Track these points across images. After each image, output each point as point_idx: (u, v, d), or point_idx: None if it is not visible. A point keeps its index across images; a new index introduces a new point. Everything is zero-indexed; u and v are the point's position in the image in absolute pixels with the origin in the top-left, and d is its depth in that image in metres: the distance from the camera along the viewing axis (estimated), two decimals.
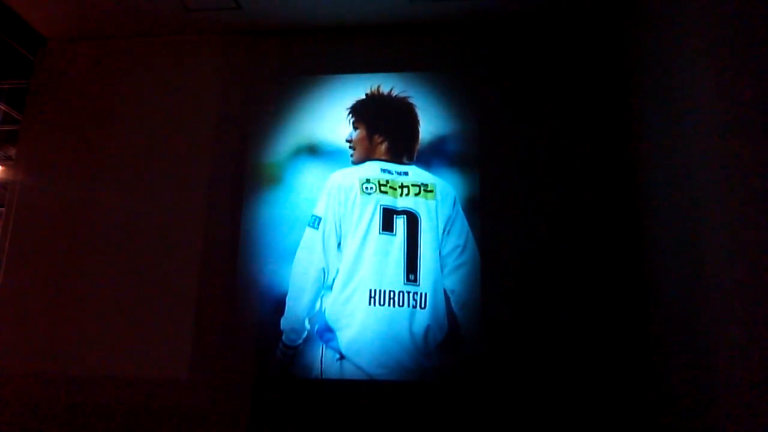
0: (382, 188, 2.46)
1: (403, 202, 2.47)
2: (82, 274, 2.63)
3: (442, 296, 2.41)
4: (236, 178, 2.67)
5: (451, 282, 2.43)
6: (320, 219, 2.42)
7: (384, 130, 2.57)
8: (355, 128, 2.59)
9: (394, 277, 2.39)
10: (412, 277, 2.40)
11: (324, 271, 2.39)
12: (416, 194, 2.48)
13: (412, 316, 2.37)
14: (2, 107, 2.94)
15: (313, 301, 2.39)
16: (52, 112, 2.86)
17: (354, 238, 2.40)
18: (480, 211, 2.51)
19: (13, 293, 2.64)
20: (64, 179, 2.77)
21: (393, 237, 2.42)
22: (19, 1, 2.67)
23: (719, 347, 1.66)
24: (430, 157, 2.57)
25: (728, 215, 1.63)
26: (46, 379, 2.50)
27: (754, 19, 1.51)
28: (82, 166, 2.78)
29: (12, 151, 2.90)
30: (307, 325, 2.39)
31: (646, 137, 2.31)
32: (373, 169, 2.50)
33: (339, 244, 2.42)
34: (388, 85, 2.64)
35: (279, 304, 2.43)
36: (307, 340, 2.39)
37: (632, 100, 2.45)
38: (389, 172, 2.50)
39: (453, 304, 2.41)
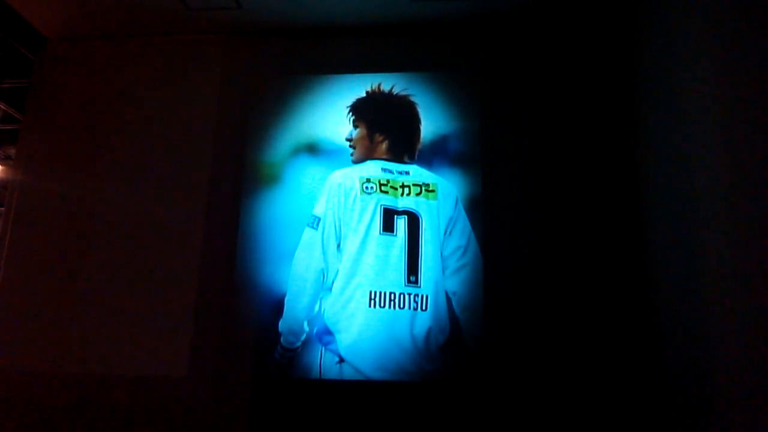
0: (383, 188, 2.42)
1: (404, 202, 2.42)
2: (82, 273, 2.63)
3: (443, 298, 2.36)
4: (236, 177, 2.65)
5: (453, 283, 2.38)
6: (320, 219, 2.39)
7: (385, 128, 2.53)
8: (355, 127, 2.56)
9: (394, 278, 2.35)
10: (413, 278, 2.35)
11: (323, 272, 2.36)
12: (417, 194, 2.44)
13: (413, 318, 2.33)
14: (2, 106, 2.93)
15: (312, 303, 2.35)
16: (52, 112, 2.85)
17: (354, 239, 2.36)
18: (482, 212, 2.47)
19: (12, 292, 2.64)
20: (64, 179, 2.77)
21: (394, 237, 2.38)
22: (19, 0, 2.67)
23: (720, 347, 1.66)
24: (432, 156, 2.53)
25: (729, 216, 1.63)
26: (46, 377, 2.50)
27: (756, 19, 1.51)
28: (82, 165, 2.77)
29: (12, 151, 2.89)
30: (306, 328, 2.35)
31: (648, 136, 2.28)
32: (373, 168, 2.46)
33: (339, 245, 2.38)
34: (389, 84, 2.60)
35: (278, 305, 2.39)
36: (305, 342, 2.35)
37: (635, 99, 2.42)
38: (390, 171, 2.46)
39: (455, 306, 2.37)
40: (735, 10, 1.63)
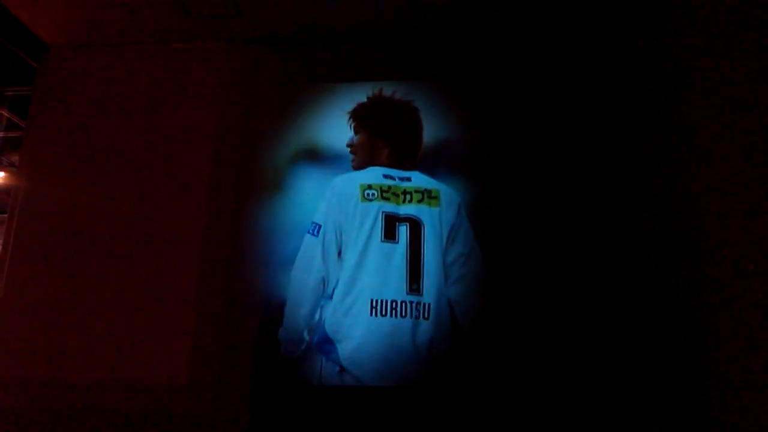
0: (384, 194, 2.38)
1: (405, 209, 2.38)
2: (84, 279, 2.63)
3: (446, 306, 2.31)
4: (236, 183, 2.65)
5: (456, 292, 2.33)
6: (320, 226, 2.34)
7: (386, 134, 2.48)
8: (355, 132, 2.52)
9: (396, 286, 2.30)
10: (415, 286, 2.31)
11: (323, 280, 2.31)
12: (419, 201, 2.39)
13: (415, 327, 2.28)
14: (5, 114, 2.96)
15: (312, 312, 2.31)
16: (54, 119, 2.87)
17: (355, 246, 2.31)
18: (485, 219, 2.43)
19: (15, 299, 2.65)
20: (67, 186, 2.77)
21: (395, 245, 2.33)
22: (22, 7, 2.69)
23: (721, 350, 1.68)
24: (434, 162, 2.49)
25: (729, 218, 1.64)
26: (46, 383, 2.50)
27: (754, 22, 1.49)
28: (85, 172, 2.78)
29: (15, 158, 2.92)
30: (306, 337, 2.32)
31: (648, 139, 2.27)
32: (374, 174, 2.40)
33: (339, 252, 2.34)
34: (389, 91, 2.57)
35: (278, 313, 2.36)
36: (305, 351, 2.32)
37: (634, 105, 2.41)
38: (391, 177, 2.41)
39: (457, 315, 2.32)
40: (734, 14, 1.61)
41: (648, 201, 2.28)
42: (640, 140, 2.36)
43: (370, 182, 2.38)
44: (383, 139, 2.47)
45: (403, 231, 2.35)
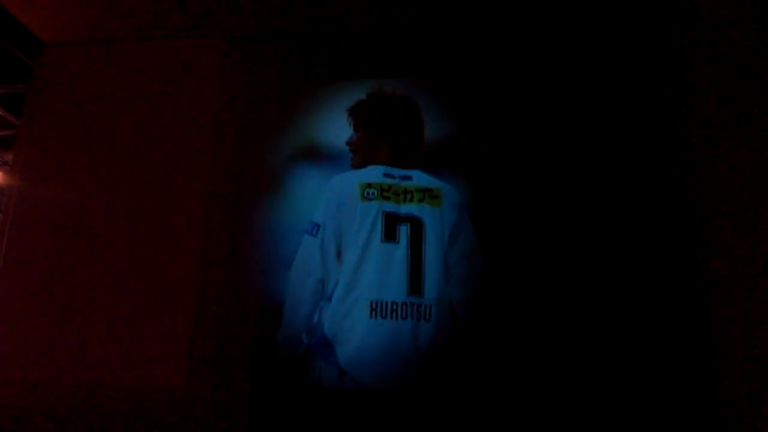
0: (385, 194, 2.33)
1: (406, 209, 2.34)
2: (79, 279, 2.61)
3: (447, 308, 2.28)
4: (234, 183, 2.62)
5: (457, 293, 2.29)
6: (319, 226, 2.30)
7: (387, 132, 2.44)
8: (355, 130, 2.47)
9: (397, 288, 2.26)
10: (415, 288, 2.27)
11: (322, 282, 2.27)
12: (420, 200, 2.35)
13: (416, 329, 2.24)
14: None
15: (311, 313, 2.27)
16: (49, 117, 2.85)
17: (354, 247, 2.27)
18: (487, 219, 2.40)
19: (9, 299, 2.63)
20: (62, 185, 2.75)
21: (396, 246, 2.29)
22: (17, 4, 2.65)
23: (721, 350, 1.69)
24: (435, 160, 2.45)
25: (728, 217, 1.66)
26: (42, 385, 2.48)
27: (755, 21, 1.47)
28: (80, 171, 2.77)
29: (9, 156, 2.89)
30: (305, 339, 2.28)
31: (648, 138, 2.26)
32: (374, 173, 2.35)
33: (339, 253, 2.30)
34: (390, 89, 2.53)
35: (276, 314, 2.33)
36: (305, 353, 2.28)
37: (634, 104, 2.38)
38: (392, 176, 2.36)
39: (459, 316, 2.28)
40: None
41: (648, 200, 2.26)
42: (640, 139, 2.33)
43: (370, 181, 2.34)
44: (383, 137, 2.43)
45: (404, 231, 2.31)
